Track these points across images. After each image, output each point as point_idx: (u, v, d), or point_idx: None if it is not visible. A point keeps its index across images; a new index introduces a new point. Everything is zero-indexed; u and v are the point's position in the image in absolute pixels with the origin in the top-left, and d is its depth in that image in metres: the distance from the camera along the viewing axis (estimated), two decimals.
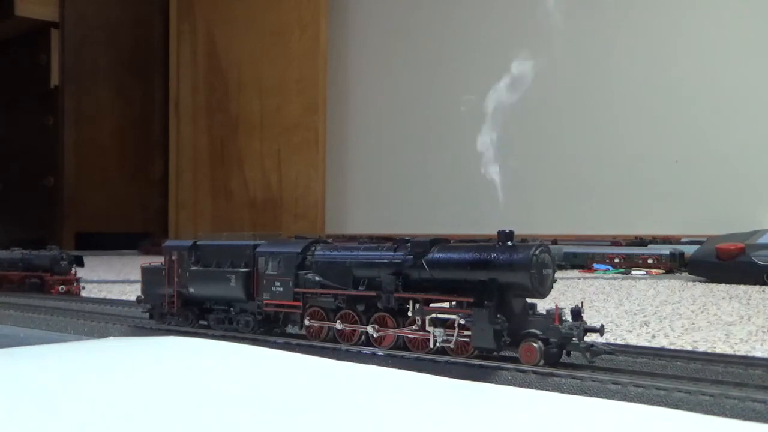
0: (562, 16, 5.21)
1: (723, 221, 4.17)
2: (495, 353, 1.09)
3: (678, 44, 4.74)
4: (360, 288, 1.24)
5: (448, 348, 1.13)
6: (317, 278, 1.29)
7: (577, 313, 1.08)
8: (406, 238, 1.22)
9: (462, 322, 1.10)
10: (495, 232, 1.12)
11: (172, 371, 1.11)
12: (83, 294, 2.40)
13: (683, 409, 0.88)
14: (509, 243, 1.10)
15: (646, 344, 1.43)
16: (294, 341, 1.30)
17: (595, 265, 4.02)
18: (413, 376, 1.05)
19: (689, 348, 1.41)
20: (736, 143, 4.48)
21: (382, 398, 0.93)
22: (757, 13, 4.45)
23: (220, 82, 7.39)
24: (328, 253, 1.30)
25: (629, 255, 4.03)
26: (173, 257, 1.51)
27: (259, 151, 7.03)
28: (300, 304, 1.31)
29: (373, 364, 1.14)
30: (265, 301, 1.36)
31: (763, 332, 1.65)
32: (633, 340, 1.52)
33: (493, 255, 1.10)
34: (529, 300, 1.12)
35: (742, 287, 2.96)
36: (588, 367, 1.05)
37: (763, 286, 3.01)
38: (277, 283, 1.34)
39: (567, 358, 1.08)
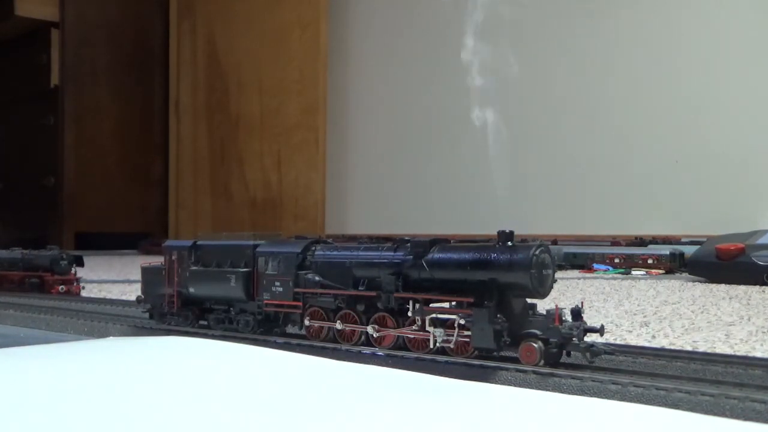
0: (562, 17, 5.21)
1: (723, 221, 4.17)
2: (495, 353, 1.09)
3: (678, 44, 4.74)
4: (360, 288, 1.24)
5: (448, 348, 1.13)
6: (317, 278, 1.28)
7: (577, 313, 1.08)
8: (406, 238, 1.22)
9: (462, 322, 1.10)
10: (495, 232, 1.12)
11: (172, 371, 1.11)
12: (83, 294, 2.40)
13: (683, 409, 0.88)
14: (509, 243, 1.10)
15: (646, 344, 1.43)
16: (294, 341, 1.30)
17: (595, 266, 4.02)
18: (413, 376, 1.05)
19: (689, 348, 1.41)
20: (736, 143, 4.48)
21: (382, 398, 0.93)
22: (757, 13, 4.45)
23: (220, 82, 7.39)
24: (328, 253, 1.30)
25: (629, 255, 4.03)
26: (173, 257, 1.51)
27: (259, 151, 7.03)
28: (300, 304, 1.31)
29: (373, 364, 1.13)
30: (265, 301, 1.36)
31: (763, 332, 1.64)
32: (633, 341, 1.52)
33: (493, 255, 1.10)
34: (529, 300, 1.12)
35: (742, 287, 2.96)
36: (588, 367, 1.05)
37: (763, 286, 3.01)
38: (277, 283, 1.34)
39: (567, 358, 1.08)
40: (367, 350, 1.20)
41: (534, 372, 1.02)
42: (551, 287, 1.11)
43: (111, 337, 1.53)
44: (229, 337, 1.37)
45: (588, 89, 5.10)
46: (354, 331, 1.24)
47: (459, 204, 5.57)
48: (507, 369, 1.04)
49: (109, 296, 2.45)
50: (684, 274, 3.67)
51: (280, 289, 1.33)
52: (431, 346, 1.14)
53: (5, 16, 6.98)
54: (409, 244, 1.20)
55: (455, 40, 5.72)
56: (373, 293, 1.21)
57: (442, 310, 1.14)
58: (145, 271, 1.59)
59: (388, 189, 6.22)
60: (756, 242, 3.22)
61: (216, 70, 7.43)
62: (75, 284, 2.38)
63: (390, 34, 6.24)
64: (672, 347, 1.41)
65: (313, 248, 1.33)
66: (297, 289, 1.31)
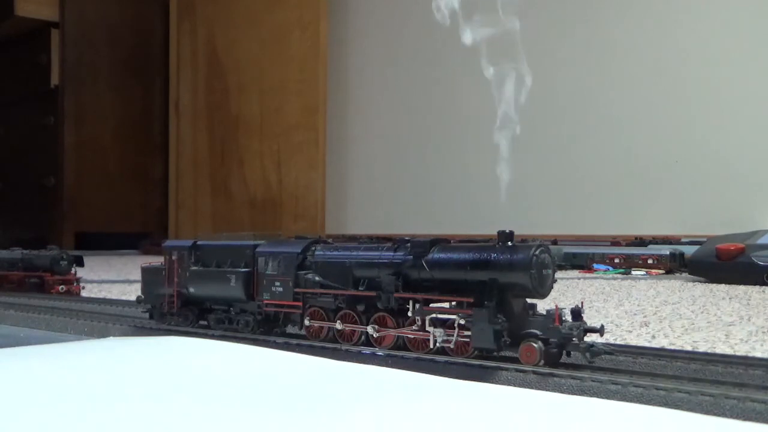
0: (562, 18, 5.21)
1: (723, 221, 4.17)
2: (495, 353, 1.09)
3: (678, 44, 4.74)
4: (360, 288, 1.24)
5: (448, 348, 1.13)
6: (317, 278, 1.28)
7: (577, 313, 1.08)
8: (406, 238, 1.22)
9: (462, 322, 1.10)
10: (495, 232, 1.12)
11: (172, 371, 1.11)
12: (83, 294, 2.40)
13: (683, 409, 0.88)
14: (509, 243, 1.10)
15: (646, 344, 1.43)
16: (294, 341, 1.29)
17: (595, 266, 4.02)
18: (413, 376, 1.05)
19: (689, 348, 1.41)
20: (735, 143, 4.48)
21: (382, 398, 0.93)
22: (757, 13, 4.45)
23: (220, 82, 7.39)
24: (328, 253, 1.30)
25: (629, 255, 4.03)
26: (173, 257, 1.51)
27: (259, 151, 7.03)
28: (300, 304, 1.31)
29: (373, 364, 1.13)
30: (265, 301, 1.36)
31: (763, 332, 1.65)
32: (633, 341, 1.52)
33: (493, 255, 1.10)
34: (529, 300, 1.12)
35: (742, 287, 2.96)
36: (588, 367, 1.05)
37: (763, 286, 3.01)
38: (277, 283, 1.34)
39: (567, 358, 1.08)
40: (367, 350, 1.20)
41: (534, 372, 1.02)
42: (551, 287, 1.11)
43: (111, 337, 1.53)
44: (229, 337, 1.37)
45: (588, 89, 5.09)
46: (354, 331, 1.24)
47: (459, 204, 5.57)
48: (507, 369, 1.04)
49: (109, 296, 2.45)
50: (684, 274, 3.67)
51: (280, 289, 1.33)
52: (431, 346, 1.14)
53: (5, 16, 6.98)
54: (409, 244, 1.20)
55: (455, 41, 5.71)
56: (373, 293, 1.21)
57: (442, 310, 1.14)
58: (145, 271, 1.59)
59: (388, 189, 6.22)
60: (756, 242, 3.23)
61: (216, 70, 7.43)
62: (75, 284, 2.38)
63: (390, 34, 6.24)
64: (672, 347, 1.41)
65: (313, 248, 1.33)
66: (297, 289, 1.31)
